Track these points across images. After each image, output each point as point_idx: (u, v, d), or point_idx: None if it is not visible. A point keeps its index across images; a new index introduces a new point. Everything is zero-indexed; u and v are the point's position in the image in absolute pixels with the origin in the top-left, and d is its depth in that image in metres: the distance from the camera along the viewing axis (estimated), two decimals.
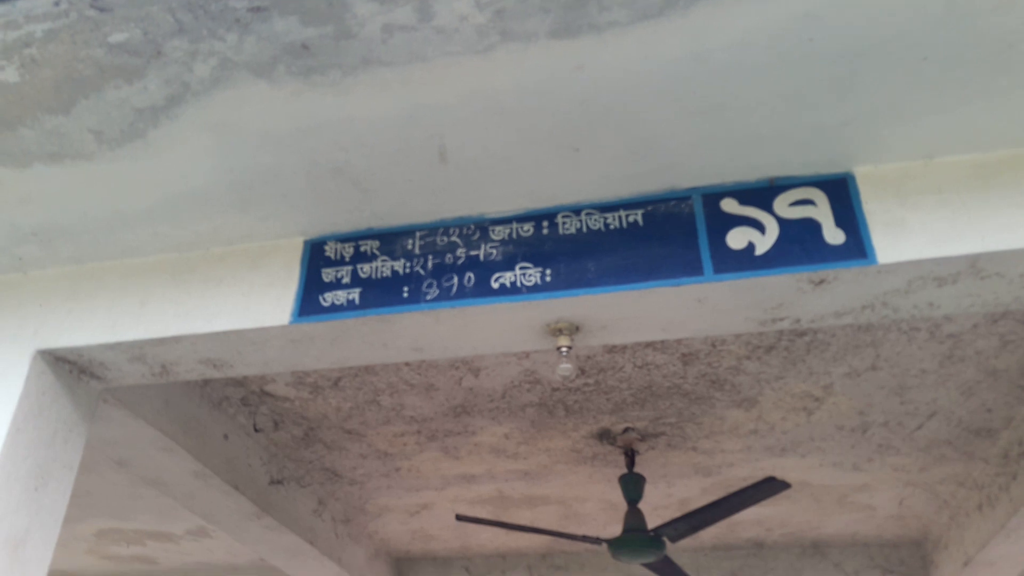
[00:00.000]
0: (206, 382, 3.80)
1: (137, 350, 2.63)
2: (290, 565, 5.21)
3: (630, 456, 4.50)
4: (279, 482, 4.50)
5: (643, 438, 4.46)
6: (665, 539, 4.20)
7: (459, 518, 4.45)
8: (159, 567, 6.82)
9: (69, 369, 2.72)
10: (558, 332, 2.44)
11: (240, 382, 3.84)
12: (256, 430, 4.23)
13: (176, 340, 2.57)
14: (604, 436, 4.45)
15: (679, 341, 3.54)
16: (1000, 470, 4.46)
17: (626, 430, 4.37)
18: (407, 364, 3.69)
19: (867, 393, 3.95)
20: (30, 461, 2.48)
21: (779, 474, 4.81)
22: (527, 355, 3.65)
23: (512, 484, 5.17)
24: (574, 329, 2.45)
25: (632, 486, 4.37)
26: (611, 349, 3.61)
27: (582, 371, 3.80)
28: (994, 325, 3.37)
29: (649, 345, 3.57)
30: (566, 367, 2.44)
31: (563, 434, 4.47)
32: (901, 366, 3.69)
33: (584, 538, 4.42)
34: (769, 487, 3.92)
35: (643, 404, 4.10)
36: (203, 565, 6.72)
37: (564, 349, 2.43)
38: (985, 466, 4.61)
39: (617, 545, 4.16)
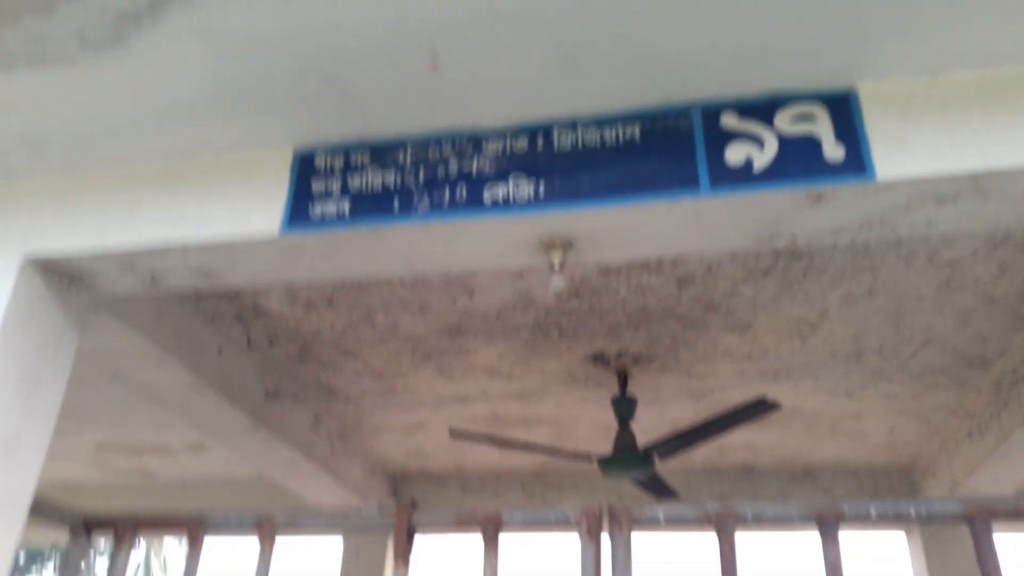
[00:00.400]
0: (199, 296, 3.79)
1: (126, 259, 2.60)
2: (287, 478, 5.29)
3: (623, 379, 4.52)
4: (274, 397, 4.53)
5: (636, 361, 4.47)
6: (655, 457, 4.25)
7: (452, 433, 4.50)
8: (158, 480, 6.95)
9: (59, 278, 2.70)
10: (551, 247, 2.41)
11: (233, 297, 3.83)
12: (250, 346, 4.24)
13: (165, 249, 2.54)
14: (598, 359, 4.47)
15: (674, 264, 3.51)
16: (992, 399, 4.48)
17: (619, 353, 4.38)
18: (400, 282, 3.68)
19: (863, 319, 3.94)
20: (20, 367, 2.48)
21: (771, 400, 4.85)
22: (521, 276, 3.63)
23: (506, 405, 5.21)
24: (567, 244, 2.42)
25: (624, 407, 4.41)
26: (606, 271, 3.59)
27: (576, 293, 3.78)
28: (994, 251, 3.34)
29: (644, 267, 3.54)
30: (558, 282, 2.42)
31: (557, 356, 4.48)
32: (898, 292, 3.67)
33: (575, 455, 4.47)
34: (759, 408, 3.94)
35: (637, 327, 4.10)
36: (201, 479, 6.84)
37: (556, 264, 2.41)
38: (977, 395, 4.64)
39: (607, 462, 4.21)
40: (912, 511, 2.23)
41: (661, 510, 2.32)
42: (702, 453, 5.91)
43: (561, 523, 2.39)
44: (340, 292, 3.75)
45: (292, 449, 4.73)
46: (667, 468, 6.00)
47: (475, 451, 6.15)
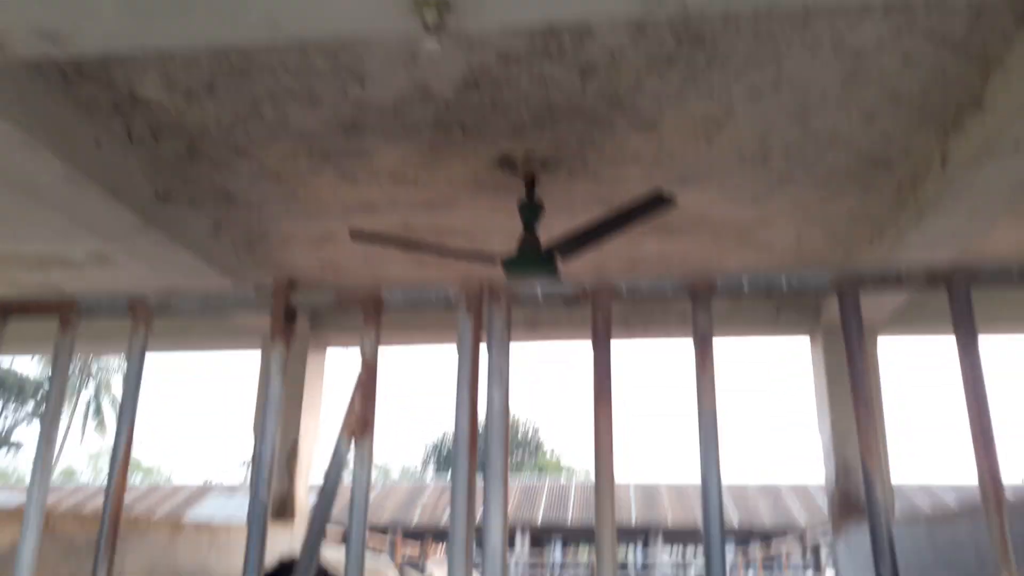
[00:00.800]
0: (68, 81, 3.50)
1: None
2: (191, 287, 5.18)
3: (530, 183, 4.43)
4: (166, 199, 4.33)
5: (544, 165, 4.37)
6: (557, 256, 4.22)
7: (353, 234, 4.41)
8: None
9: None
10: (424, 3, 2.23)
11: (107, 84, 3.56)
12: (132, 139, 3.98)
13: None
14: (505, 162, 4.35)
15: (577, 51, 3.35)
16: (893, 202, 4.53)
17: (527, 156, 4.26)
18: (284, 67, 3.44)
19: (768, 118, 3.87)
20: None
21: (680, 206, 4.82)
22: (415, 61, 3.43)
23: (416, 214, 5.10)
24: (443, 2, 2.25)
25: (529, 211, 4.35)
26: (505, 59, 3.41)
27: (476, 84, 3.61)
28: (898, 40, 3.25)
29: (544, 54, 3.37)
30: (432, 45, 2.26)
31: (463, 160, 4.35)
32: (803, 86, 3.59)
33: (478, 256, 4.43)
34: (656, 202, 3.91)
35: (542, 126, 3.97)
36: (110, 295, 6.68)
37: (431, 24, 2.24)
38: (880, 199, 4.67)
39: (511, 263, 4.18)
40: (783, 281, 2.22)
41: (539, 286, 2.28)
42: (613, 266, 5.92)
43: (441, 301, 2.34)
44: (220, 77, 3.51)
45: (191, 255, 4.60)
46: (578, 279, 6.04)
47: (391, 265, 6.08)
